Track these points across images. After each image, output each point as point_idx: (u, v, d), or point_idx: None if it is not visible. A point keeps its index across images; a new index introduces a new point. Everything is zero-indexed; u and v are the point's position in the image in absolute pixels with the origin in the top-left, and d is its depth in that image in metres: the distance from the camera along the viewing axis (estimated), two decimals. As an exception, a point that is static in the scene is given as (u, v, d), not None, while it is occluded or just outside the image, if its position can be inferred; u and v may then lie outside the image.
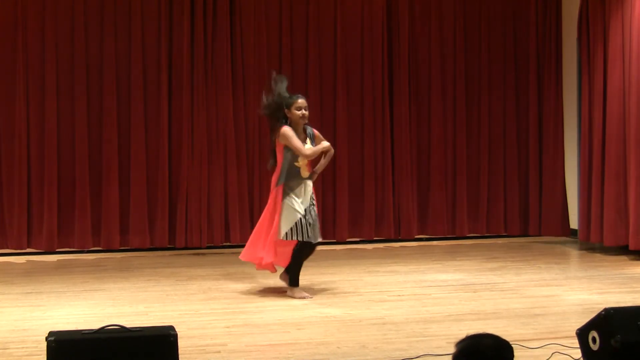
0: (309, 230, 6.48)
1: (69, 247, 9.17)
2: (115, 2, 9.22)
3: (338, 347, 5.09)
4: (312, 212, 6.54)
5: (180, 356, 3.77)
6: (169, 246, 9.32)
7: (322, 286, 7.08)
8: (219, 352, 5.01)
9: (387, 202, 9.72)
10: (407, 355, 4.83)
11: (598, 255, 8.74)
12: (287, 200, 6.49)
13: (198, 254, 9.09)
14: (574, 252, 9.10)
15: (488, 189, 10.06)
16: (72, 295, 6.87)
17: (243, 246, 9.32)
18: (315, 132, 6.75)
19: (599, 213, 8.80)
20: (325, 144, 6.65)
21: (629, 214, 8.35)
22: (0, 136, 9.06)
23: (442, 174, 9.95)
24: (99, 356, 3.67)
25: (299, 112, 6.51)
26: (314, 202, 6.63)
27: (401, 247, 9.52)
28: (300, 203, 6.49)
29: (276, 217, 6.53)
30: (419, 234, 9.93)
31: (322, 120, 9.64)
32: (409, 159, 9.82)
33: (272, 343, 5.19)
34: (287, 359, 4.86)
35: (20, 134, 9.02)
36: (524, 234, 10.09)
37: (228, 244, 9.41)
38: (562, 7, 9.96)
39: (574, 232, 9.70)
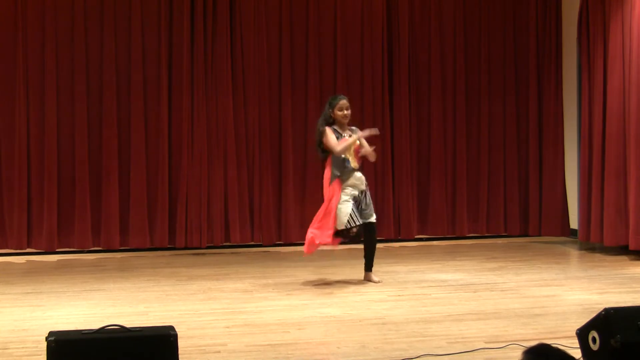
0: (356, 217, 7.00)
1: (69, 247, 9.17)
2: (115, 2, 9.22)
3: (338, 347, 5.09)
4: (364, 199, 7.12)
5: (180, 356, 3.77)
6: (169, 246, 9.32)
7: (322, 286, 7.08)
8: (219, 352, 5.01)
9: (387, 202, 9.72)
10: (407, 355, 4.83)
11: (598, 255, 8.74)
12: (343, 193, 7.04)
13: (198, 254, 9.09)
14: (574, 252, 9.10)
15: (488, 189, 10.06)
16: (72, 295, 6.87)
17: (243, 246, 9.43)
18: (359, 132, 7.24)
19: (599, 213, 8.80)
20: (354, 136, 7.15)
21: (629, 214, 8.35)
22: (0, 136, 9.07)
23: (442, 174, 9.95)
24: (99, 356, 3.67)
25: (341, 113, 7.14)
26: (367, 189, 7.18)
27: (401, 247, 9.52)
28: (351, 193, 7.06)
29: (334, 208, 7.01)
30: (419, 234, 9.94)
31: (322, 120, 9.65)
32: (409, 159, 9.83)
33: (272, 343, 5.19)
34: (287, 359, 4.87)
35: (20, 134, 9.02)
36: (524, 234, 10.09)
37: (228, 244, 9.42)
38: (562, 7, 9.96)
39: (574, 232, 9.70)
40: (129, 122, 9.25)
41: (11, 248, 9.04)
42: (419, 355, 4.84)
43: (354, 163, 7.11)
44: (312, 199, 9.12)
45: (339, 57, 9.69)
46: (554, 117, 9.96)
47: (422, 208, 9.96)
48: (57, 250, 9.10)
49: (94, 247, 9.21)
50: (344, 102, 7.15)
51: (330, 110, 7.14)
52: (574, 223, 9.73)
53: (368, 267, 7.25)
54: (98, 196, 9.21)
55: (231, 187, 9.42)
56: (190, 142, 9.32)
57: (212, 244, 9.36)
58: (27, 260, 8.80)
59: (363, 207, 7.10)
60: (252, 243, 9.50)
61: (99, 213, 9.20)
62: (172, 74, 9.34)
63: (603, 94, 8.80)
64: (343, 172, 7.05)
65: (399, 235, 9.81)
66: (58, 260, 8.82)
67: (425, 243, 9.77)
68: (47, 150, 9.08)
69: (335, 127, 7.13)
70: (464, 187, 10.00)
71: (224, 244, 9.42)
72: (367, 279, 7.22)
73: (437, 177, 9.93)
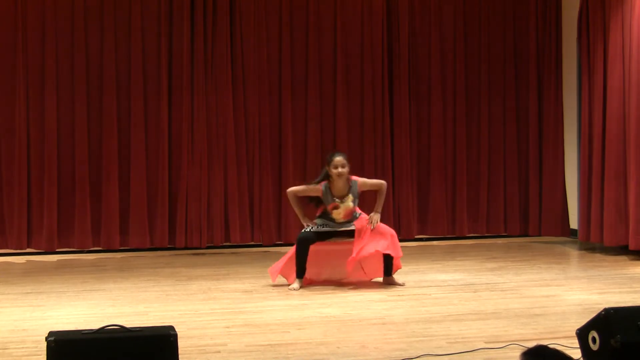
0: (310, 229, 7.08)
1: (69, 247, 9.17)
2: (115, 2, 9.22)
3: (338, 347, 5.09)
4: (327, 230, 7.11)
5: (180, 356, 3.77)
6: (169, 246, 9.32)
7: (322, 286, 7.08)
8: (219, 352, 5.01)
9: (387, 202, 9.69)
10: (407, 355, 4.83)
11: (598, 255, 8.74)
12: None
13: (198, 254, 9.09)
14: (574, 252, 9.10)
15: (488, 189, 10.06)
16: (72, 295, 6.87)
17: (243, 246, 9.43)
18: (360, 182, 7.13)
19: (599, 213, 8.80)
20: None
21: (629, 214, 8.34)
22: (0, 136, 9.07)
23: (442, 174, 9.95)
24: (98, 356, 3.67)
25: (335, 171, 6.99)
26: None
27: (401, 247, 9.49)
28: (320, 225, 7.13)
29: None
30: (419, 234, 9.94)
31: (322, 120, 9.65)
32: (409, 159, 9.83)
33: (272, 343, 5.19)
34: (287, 359, 4.87)
35: (20, 134, 9.02)
36: (524, 234, 10.09)
37: (228, 244, 9.42)
38: (562, 7, 9.96)
39: (574, 232, 9.70)
40: (129, 122, 9.25)
41: (11, 248, 9.04)
42: (419, 355, 4.84)
43: (338, 217, 7.09)
44: (312, 199, 9.12)
45: (339, 57, 9.68)
46: (554, 117, 9.95)
47: (422, 208, 9.96)
48: (57, 250, 9.10)
49: (94, 247, 9.21)
50: (338, 159, 6.99)
51: (327, 167, 7.03)
52: (574, 223, 9.73)
53: (386, 272, 7.18)
54: (98, 196, 9.21)
55: (231, 187, 9.42)
56: (190, 142, 9.32)
57: (212, 244, 9.36)
58: (27, 260, 8.80)
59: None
60: (252, 243, 9.50)
61: (99, 213, 9.20)
62: (172, 74, 9.34)
63: (603, 94, 8.80)
64: (321, 219, 7.13)
65: (399, 235, 9.75)
66: (58, 260, 8.82)
67: (425, 243, 9.77)
68: (47, 150, 9.08)
69: (330, 186, 7.02)
70: (464, 187, 10.00)
71: (224, 244, 9.42)
72: (388, 283, 7.17)
73: (437, 177, 9.93)
